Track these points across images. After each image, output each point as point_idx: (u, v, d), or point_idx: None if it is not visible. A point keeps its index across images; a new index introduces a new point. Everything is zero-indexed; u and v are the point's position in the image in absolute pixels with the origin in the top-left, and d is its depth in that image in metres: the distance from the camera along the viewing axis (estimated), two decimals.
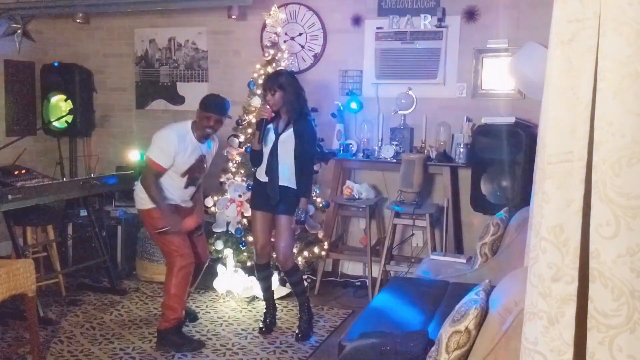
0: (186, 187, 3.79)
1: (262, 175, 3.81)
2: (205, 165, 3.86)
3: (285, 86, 3.67)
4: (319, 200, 4.52)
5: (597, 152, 1.32)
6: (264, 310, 4.07)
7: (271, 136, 3.73)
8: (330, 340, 3.84)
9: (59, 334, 3.88)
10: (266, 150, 3.75)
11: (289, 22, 5.19)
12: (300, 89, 3.77)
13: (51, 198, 4.28)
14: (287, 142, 3.71)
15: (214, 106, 3.68)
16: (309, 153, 3.78)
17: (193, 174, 3.78)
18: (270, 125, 3.73)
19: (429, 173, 4.71)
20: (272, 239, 3.95)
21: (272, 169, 3.73)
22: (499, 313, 1.83)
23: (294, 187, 3.75)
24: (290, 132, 3.71)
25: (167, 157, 3.63)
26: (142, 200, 3.73)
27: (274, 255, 3.97)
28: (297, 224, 3.81)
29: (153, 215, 3.70)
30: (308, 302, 4.03)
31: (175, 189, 3.76)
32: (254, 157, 3.83)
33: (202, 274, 4.11)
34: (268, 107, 3.68)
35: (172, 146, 3.61)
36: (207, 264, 4.18)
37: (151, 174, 3.66)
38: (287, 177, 3.74)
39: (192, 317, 4.17)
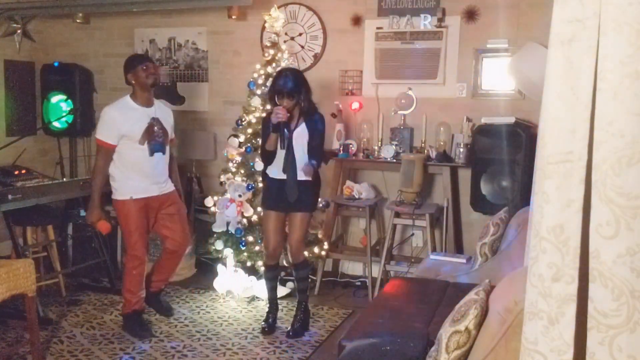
0: (151, 154, 3.76)
1: (277, 172, 3.77)
2: (165, 129, 3.85)
3: (301, 89, 3.68)
4: (318, 200, 4.51)
5: (597, 152, 1.32)
6: (267, 310, 4.07)
7: (285, 134, 3.69)
8: (330, 340, 3.84)
9: (59, 334, 3.88)
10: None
11: (289, 22, 5.19)
12: (308, 84, 3.78)
13: (51, 198, 4.28)
14: (301, 137, 3.71)
15: (137, 58, 3.89)
16: (319, 145, 3.77)
17: (153, 139, 3.76)
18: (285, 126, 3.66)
19: (429, 173, 4.71)
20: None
21: (290, 166, 3.71)
22: (499, 313, 1.82)
23: (310, 179, 3.77)
24: (302, 126, 3.73)
25: (110, 131, 3.66)
26: (114, 190, 3.82)
27: (288, 248, 3.96)
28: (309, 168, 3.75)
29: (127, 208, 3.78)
30: (307, 301, 4.04)
31: (142, 159, 3.74)
32: (267, 156, 3.79)
33: (202, 274, 4.09)
34: (282, 108, 3.60)
35: (112, 119, 3.65)
36: (187, 251, 4.20)
37: (101, 156, 3.73)
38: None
39: (166, 310, 4.20)
